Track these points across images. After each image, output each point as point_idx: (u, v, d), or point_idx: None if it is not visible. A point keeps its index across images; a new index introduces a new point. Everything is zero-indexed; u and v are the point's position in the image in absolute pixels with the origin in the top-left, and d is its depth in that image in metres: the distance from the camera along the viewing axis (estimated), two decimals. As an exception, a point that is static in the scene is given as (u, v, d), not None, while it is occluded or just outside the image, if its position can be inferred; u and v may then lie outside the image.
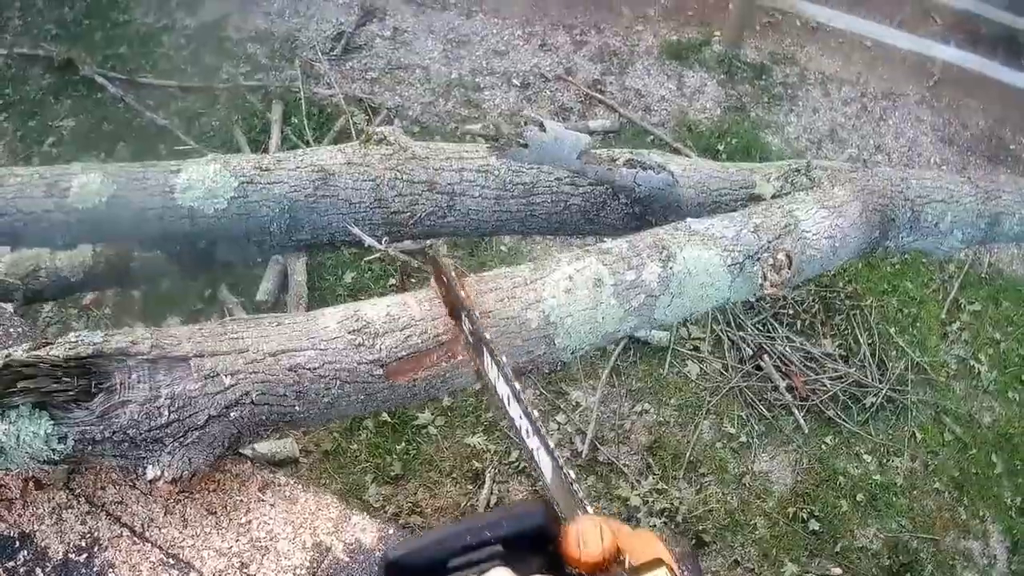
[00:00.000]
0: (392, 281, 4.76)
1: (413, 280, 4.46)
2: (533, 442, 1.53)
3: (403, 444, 4.25)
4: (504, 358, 1.65)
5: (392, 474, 4.14)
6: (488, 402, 4.21)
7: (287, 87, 5.81)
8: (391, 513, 3.98)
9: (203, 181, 2.37)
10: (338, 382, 1.84)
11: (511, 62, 6.34)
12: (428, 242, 4.55)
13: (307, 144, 5.02)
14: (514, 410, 1.61)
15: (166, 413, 1.73)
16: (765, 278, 2.25)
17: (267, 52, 6.17)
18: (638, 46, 6.60)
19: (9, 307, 2.68)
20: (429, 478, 4.16)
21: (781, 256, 2.25)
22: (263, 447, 3.87)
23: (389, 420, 4.30)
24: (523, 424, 1.57)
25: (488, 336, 1.72)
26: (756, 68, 6.59)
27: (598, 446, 4.35)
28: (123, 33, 6.15)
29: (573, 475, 1.40)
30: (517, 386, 1.59)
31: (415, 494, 4.10)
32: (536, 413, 1.52)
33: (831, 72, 6.66)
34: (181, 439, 1.76)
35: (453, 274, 1.91)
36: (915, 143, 6.40)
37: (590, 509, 1.36)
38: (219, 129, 5.55)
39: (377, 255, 4.56)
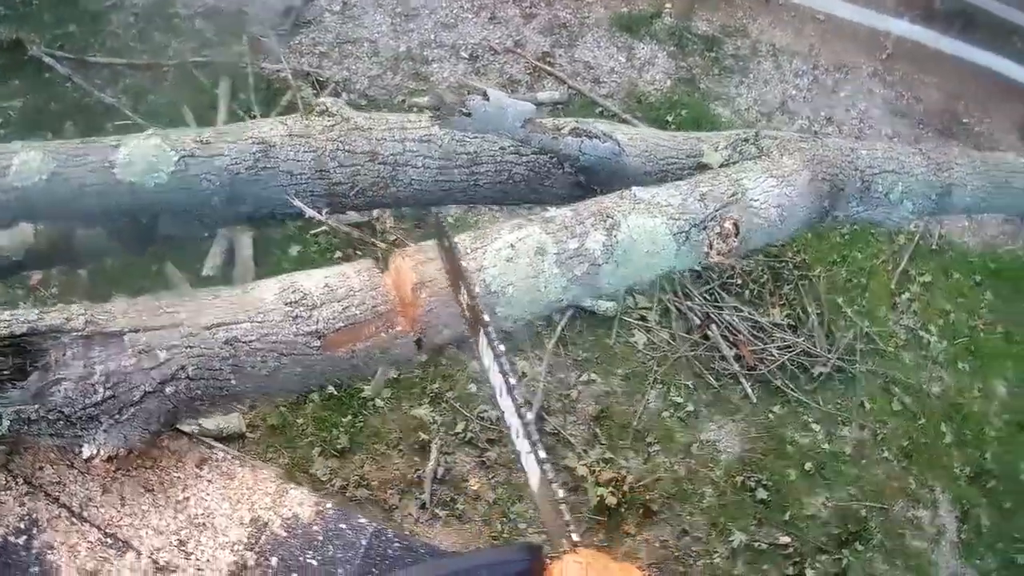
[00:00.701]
0: (338, 254, 4.76)
1: (359, 253, 4.45)
2: (523, 445, 1.51)
3: (349, 417, 4.24)
4: (502, 347, 1.62)
5: (339, 447, 4.14)
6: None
7: (235, 63, 5.74)
8: (338, 486, 3.98)
9: (143, 156, 2.35)
10: (275, 354, 1.82)
11: (460, 35, 6.30)
12: (375, 214, 4.55)
13: (253, 119, 4.99)
14: (505, 403, 1.61)
15: (101, 390, 1.71)
16: (711, 246, 2.24)
17: (215, 28, 6.08)
18: (588, 18, 6.56)
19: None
20: (376, 450, 4.15)
21: (728, 224, 2.25)
22: (209, 423, 3.86)
23: (336, 393, 4.30)
24: (514, 423, 1.56)
25: (487, 318, 1.69)
26: (707, 40, 6.56)
27: (545, 416, 4.35)
28: (72, 12, 6.03)
29: (562, 494, 1.39)
30: (512, 380, 1.57)
31: (362, 467, 4.10)
32: (530, 416, 1.51)
33: (783, 44, 6.65)
34: (116, 416, 1.74)
35: (455, 244, 1.90)
36: (867, 115, 6.42)
37: (576, 536, 1.37)
38: (167, 106, 5.46)
39: (323, 228, 4.55)
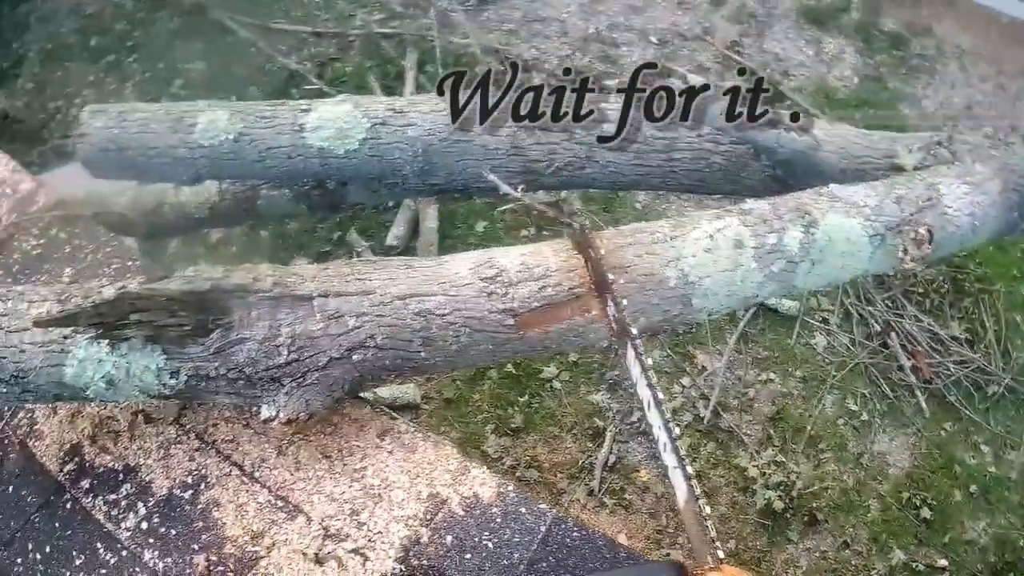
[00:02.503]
0: (525, 233, 4.70)
1: (547, 233, 4.42)
2: (670, 460, 1.49)
3: (526, 397, 4.19)
4: (649, 361, 1.60)
5: (512, 426, 4.08)
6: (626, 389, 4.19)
7: (422, 36, 5.74)
8: (508, 465, 3.95)
9: (334, 121, 2.36)
10: (467, 330, 1.79)
11: (648, 19, 6.23)
12: (562, 195, 4.51)
13: (441, 94, 5.00)
14: (653, 417, 1.57)
15: (285, 352, 1.71)
16: (906, 252, 2.16)
17: (402, 0, 6.14)
18: (776, 8, 6.45)
19: (129, 241, 2.71)
20: (549, 432, 4.12)
21: (922, 230, 2.17)
22: (384, 391, 3.86)
23: (513, 372, 4.24)
24: (662, 437, 1.53)
25: (634, 331, 1.66)
26: (894, 38, 6.36)
27: (720, 413, 4.26)
28: (255, -22, 6.15)
29: (708, 510, 1.36)
30: (660, 395, 1.54)
31: (534, 448, 4.07)
32: (676, 431, 1.47)
33: (968, 46, 6.43)
34: (300, 380, 1.73)
35: (601, 253, 1.85)
36: (1052, 127, 6.19)
37: (721, 553, 1.32)
38: (352, 76, 5.49)
39: (510, 205, 4.51)
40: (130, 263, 2.35)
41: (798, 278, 2.08)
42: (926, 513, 4.23)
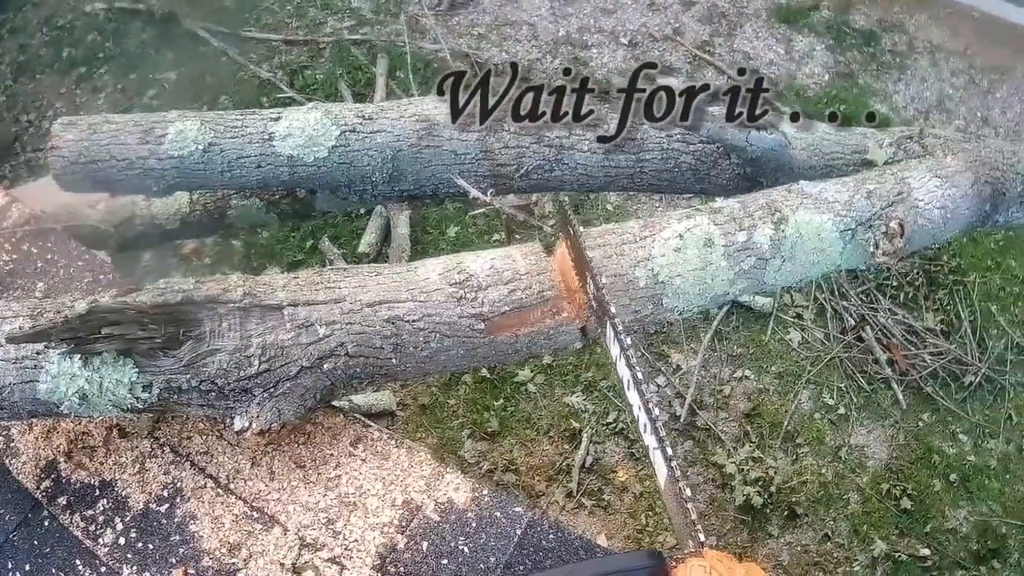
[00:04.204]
0: (497, 237, 4.74)
1: (519, 236, 4.42)
2: (650, 440, 1.48)
3: (501, 400, 4.23)
4: (629, 340, 1.59)
5: (489, 430, 4.12)
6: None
7: (392, 42, 5.76)
8: (485, 469, 3.97)
9: (303, 129, 2.35)
10: (437, 335, 1.79)
11: (618, 21, 6.25)
12: (533, 198, 4.52)
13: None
14: (633, 397, 1.57)
15: (256, 363, 1.70)
16: (877, 246, 2.17)
17: (372, 6, 6.13)
18: (747, 8, 6.47)
19: (101, 254, 2.70)
20: (526, 436, 4.13)
21: (894, 224, 2.17)
22: (359, 399, 3.87)
23: (488, 376, 4.28)
24: (642, 417, 1.53)
25: (613, 310, 1.65)
26: (865, 35, 6.42)
27: (696, 411, 4.29)
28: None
29: (689, 492, 1.36)
30: (639, 374, 1.53)
31: (511, 451, 4.08)
32: (657, 412, 1.47)
33: (939, 42, 6.47)
34: (271, 390, 1.72)
35: (580, 230, 1.84)
36: (1023, 118, 6.22)
37: (702, 536, 1.33)
38: (323, 82, 5.52)
39: (482, 210, 4.51)
40: (102, 276, 2.35)
41: (769, 275, 2.09)
42: (906, 504, 4.25)
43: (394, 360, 1.80)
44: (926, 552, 4.17)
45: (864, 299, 4.76)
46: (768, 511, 4.05)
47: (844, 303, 4.72)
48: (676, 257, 1.96)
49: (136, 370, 1.70)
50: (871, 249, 2.19)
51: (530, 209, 4.38)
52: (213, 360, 1.70)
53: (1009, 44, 6.55)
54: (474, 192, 2.34)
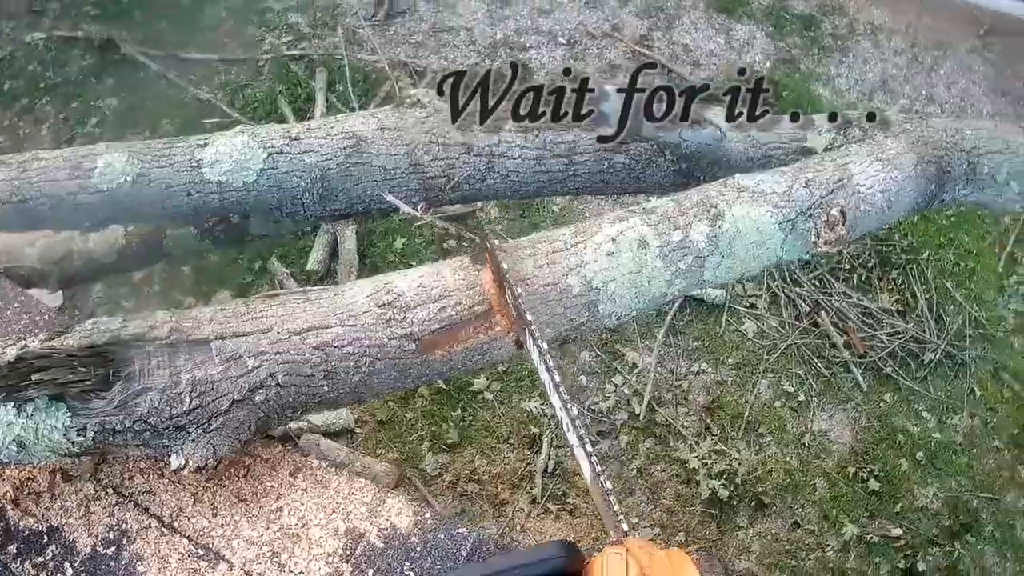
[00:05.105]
0: (446, 245, 4.67)
1: (465, 245, 4.42)
2: (573, 439, 1.48)
3: (459, 411, 4.22)
4: (545, 344, 1.57)
5: (449, 441, 4.11)
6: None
7: (331, 55, 5.73)
8: (448, 481, 3.95)
9: (230, 154, 2.32)
10: (368, 359, 1.77)
11: (556, 20, 6.22)
12: (479, 205, 4.51)
13: (353, 111, 4.98)
14: (554, 400, 1.56)
15: (187, 399, 1.68)
16: (819, 236, 2.15)
17: (309, 21, 6.08)
18: (685, 0, 6.52)
19: (38, 294, 2.66)
20: (486, 444, 4.12)
21: (835, 212, 2.16)
22: (317, 419, 3.84)
23: (444, 387, 4.27)
24: (564, 418, 1.52)
25: (529, 318, 1.64)
26: (805, 19, 6.43)
27: (655, 408, 4.29)
28: (163, 9, 6.07)
29: (609, 485, 1.36)
30: (557, 377, 1.51)
31: (472, 461, 4.07)
32: (576, 411, 1.46)
33: (880, 22, 6.50)
34: (204, 426, 1.70)
35: (495, 243, 1.83)
36: (967, 93, 6.23)
37: (625, 526, 1.32)
38: (264, 100, 5.48)
39: (425, 222, 4.53)
40: (39, 318, 2.31)
41: (708, 273, 2.07)
42: (874, 485, 4.27)
43: (326, 387, 1.77)
44: (898, 532, 4.18)
45: (817, 284, 4.77)
46: (735, 503, 4.05)
47: (797, 290, 4.74)
48: (609, 262, 1.94)
49: (69, 414, 1.68)
50: (812, 239, 2.17)
51: (464, 221, 4.37)
52: (144, 399, 1.67)
53: (950, 20, 6.59)
54: (404, 207, 2.31)
